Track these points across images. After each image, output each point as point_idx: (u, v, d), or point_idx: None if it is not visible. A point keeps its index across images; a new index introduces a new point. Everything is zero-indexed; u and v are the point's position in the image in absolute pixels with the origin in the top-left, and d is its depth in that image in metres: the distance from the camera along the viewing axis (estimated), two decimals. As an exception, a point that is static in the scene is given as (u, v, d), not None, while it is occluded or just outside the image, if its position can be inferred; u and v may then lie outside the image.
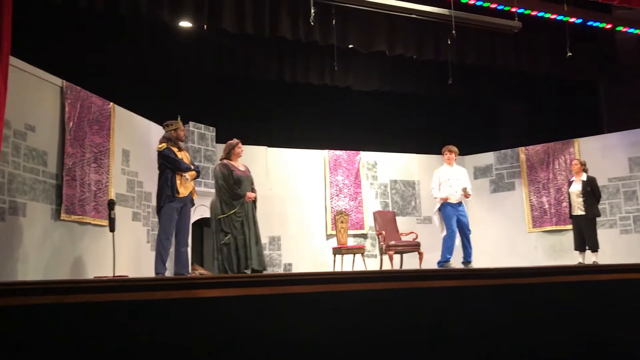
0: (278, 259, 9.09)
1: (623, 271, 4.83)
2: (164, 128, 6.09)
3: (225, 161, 6.15)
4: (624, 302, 4.61)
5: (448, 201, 7.56)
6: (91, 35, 7.53)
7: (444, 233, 7.58)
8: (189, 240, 6.07)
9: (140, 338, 3.31)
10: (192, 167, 5.95)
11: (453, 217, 7.51)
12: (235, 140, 6.28)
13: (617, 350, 4.46)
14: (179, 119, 6.10)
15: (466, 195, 7.53)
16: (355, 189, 9.80)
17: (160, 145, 5.90)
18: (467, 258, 7.54)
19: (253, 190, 6.18)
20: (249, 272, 5.83)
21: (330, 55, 8.17)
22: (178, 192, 5.76)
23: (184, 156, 6.00)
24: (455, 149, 7.95)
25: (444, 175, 7.74)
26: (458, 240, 7.59)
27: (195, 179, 6.01)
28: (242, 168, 6.22)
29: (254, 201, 6.18)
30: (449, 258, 7.55)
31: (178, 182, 5.78)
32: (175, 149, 5.90)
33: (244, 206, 6.00)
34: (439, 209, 7.67)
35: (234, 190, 5.96)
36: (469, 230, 7.59)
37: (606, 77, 10.05)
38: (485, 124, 11.36)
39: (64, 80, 5.95)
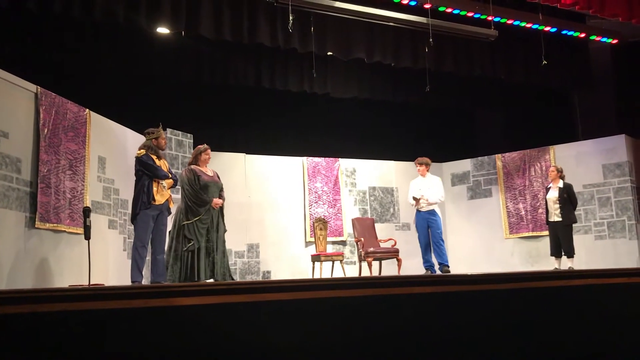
0: (256, 266, 9.04)
1: (598, 276, 4.90)
2: (144, 135, 6.04)
3: (192, 166, 6.09)
4: (599, 307, 4.68)
5: (419, 209, 7.88)
6: (66, 41, 7.45)
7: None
8: (165, 248, 6.00)
9: (117, 347, 3.26)
10: (170, 175, 5.92)
11: (423, 225, 7.85)
12: (203, 146, 6.22)
13: (592, 354, 4.52)
14: (160, 127, 6.06)
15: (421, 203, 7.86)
16: (334, 196, 9.80)
17: (139, 152, 5.86)
18: (442, 262, 7.69)
19: (221, 197, 6.10)
20: (211, 282, 5.77)
21: (309, 62, 8.19)
22: (154, 200, 5.72)
23: (162, 164, 5.95)
24: (425, 160, 8.18)
25: (416, 186, 8.09)
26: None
27: (172, 187, 5.96)
28: (210, 173, 6.13)
29: (222, 208, 6.10)
30: (427, 266, 7.84)
31: (155, 189, 5.74)
32: (154, 157, 5.86)
33: (210, 213, 5.91)
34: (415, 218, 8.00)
35: (199, 195, 5.88)
36: (439, 235, 7.78)
37: (580, 85, 10.24)
38: (462, 132, 11.49)
39: (38, 87, 5.87)
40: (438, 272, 7.72)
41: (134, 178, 5.92)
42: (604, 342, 4.59)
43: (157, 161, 5.86)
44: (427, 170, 8.15)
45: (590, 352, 4.51)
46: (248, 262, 8.99)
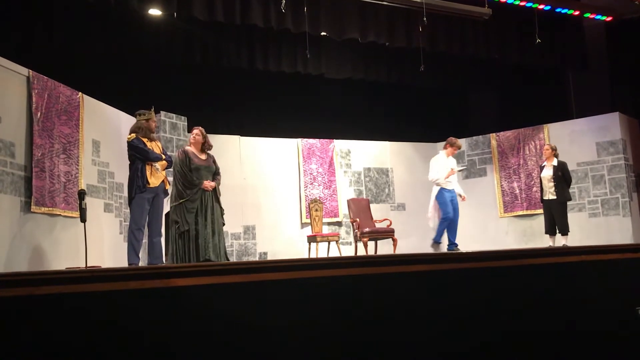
0: (253, 248, 9.08)
1: (591, 253, 4.94)
2: (135, 117, 6.01)
3: (186, 148, 6.04)
4: (593, 282, 4.73)
5: (444, 187, 7.92)
6: (58, 23, 7.38)
7: (437, 218, 7.96)
8: (162, 231, 6.01)
9: (114, 328, 3.28)
10: (163, 157, 5.90)
11: (449, 202, 7.87)
12: (195, 129, 6.16)
13: (586, 329, 4.57)
14: (152, 109, 6.03)
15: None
16: (329, 177, 9.82)
17: (129, 136, 5.84)
18: (452, 240, 7.93)
19: (215, 180, 6.06)
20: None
21: (302, 43, 8.14)
22: (148, 183, 5.72)
23: (154, 146, 5.94)
24: (458, 143, 8.31)
25: (443, 163, 8.08)
26: None
27: (166, 168, 5.95)
28: (203, 157, 6.07)
29: (216, 191, 6.06)
30: (440, 241, 7.97)
31: (148, 172, 5.73)
32: (145, 140, 5.84)
33: (199, 195, 5.87)
34: (437, 196, 7.96)
35: (188, 177, 5.83)
36: (457, 216, 7.97)
37: (574, 64, 10.22)
38: (457, 111, 11.48)
39: (30, 70, 5.82)
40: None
41: (128, 162, 5.90)
42: (598, 317, 4.65)
43: (148, 143, 5.84)
44: (450, 149, 8.23)
45: (584, 327, 4.57)
46: (244, 243, 9.02)
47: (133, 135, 5.81)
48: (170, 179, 6.04)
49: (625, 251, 5.00)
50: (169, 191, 5.97)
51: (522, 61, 9.69)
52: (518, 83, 10.71)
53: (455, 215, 7.92)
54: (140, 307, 3.38)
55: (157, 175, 5.80)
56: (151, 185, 5.73)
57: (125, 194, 7.30)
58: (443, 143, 10.63)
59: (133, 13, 7.38)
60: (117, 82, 7.91)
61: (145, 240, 6.07)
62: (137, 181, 5.70)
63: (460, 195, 8.06)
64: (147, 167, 5.74)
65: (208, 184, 5.89)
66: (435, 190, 7.98)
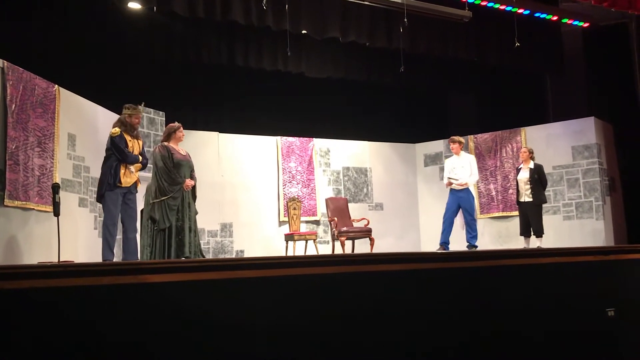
0: (230, 245, 9.04)
1: (564, 255, 5.02)
2: (123, 109, 5.97)
3: (165, 143, 5.99)
4: (565, 284, 4.79)
5: (451, 187, 8.06)
6: (35, 14, 7.26)
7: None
8: (137, 226, 5.95)
9: (86, 324, 3.24)
10: (140, 158, 5.85)
11: (454, 203, 8.02)
12: (177, 124, 6.11)
13: (558, 329, 4.64)
14: (140, 106, 5.96)
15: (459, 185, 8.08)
16: (308, 176, 9.82)
17: (113, 130, 5.76)
18: (469, 241, 7.91)
19: (192, 177, 6.03)
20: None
21: (283, 40, 8.11)
22: (120, 182, 5.67)
23: (135, 144, 5.87)
24: (457, 138, 8.27)
25: (450, 165, 8.24)
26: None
27: (140, 170, 5.92)
28: (182, 152, 6.05)
29: (194, 189, 6.05)
30: (443, 242, 7.99)
31: (122, 172, 5.68)
32: (128, 137, 5.78)
33: (181, 192, 5.84)
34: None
35: (172, 174, 5.79)
36: (471, 215, 7.99)
37: (552, 68, 10.35)
38: (435, 113, 11.56)
39: (5, 61, 5.72)
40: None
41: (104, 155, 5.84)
42: (570, 317, 4.71)
43: (130, 141, 5.79)
44: (461, 149, 8.23)
45: (557, 327, 4.63)
46: (221, 241, 8.97)
47: (118, 130, 5.73)
48: (146, 174, 6.00)
49: (597, 254, 5.08)
50: (141, 190, 5.93)
51: (501, 64, 9.79)
52: (496, 86, 10.82)
53: (465, 216, 8.00)
54: (113, 303, 3.34)
55: (130, 176, 5.76)
56: (123, 185, 5.69)
57: (99, 189, 7.24)
58: (422, 144, 10.76)
59: (112, 6, 7.29)
60: (94, 75, 7.79)
61: (119, 237, 6.02)
62: (108, 179, 5.65)
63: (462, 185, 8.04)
64: (122, 167, 5.69)
65: (189, 182, 5.88)
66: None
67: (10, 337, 3.07)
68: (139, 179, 5.93)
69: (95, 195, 7.08)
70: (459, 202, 8.00)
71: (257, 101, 9.77)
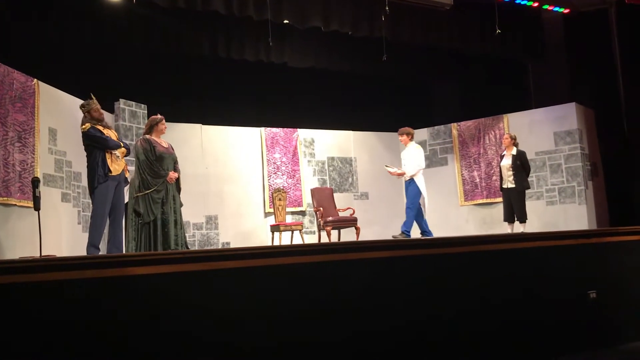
0: (215, 238, 9.02)
1: (546, 239, 5.07)
2: (81, 109, 5.87)
3: (147, 136, 5.96)
4: (549, 267, 4.85)
5: (405, 179, 7.97)
6: (12, 7, 7.14)
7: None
8: (123, 220, 5.89)
9: (69, 318, 3.22)
10: (122, 143, 5.79)
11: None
12: (158, 116, 6.07)
13: (542, 312, 4.70)
14: (93, 98, 5.84)
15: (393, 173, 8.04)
16: (293, 167, 9.81)
17: (83, 126, 5.66)
18: (402, 229, 7.75)
19: (176, 169, 6.01)
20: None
21: (265, 30, 8.07)
22: (111, 171, 5.59)
23: (111, 134, 5.79)
24: (404, 130, 8.13)
25: (401, 156, 8.18)
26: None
27: (126, 156, 5.84)
28: (164, 145, 6.01)
29: (178, 181, 6.03)
30: (421, 231, 7.97)
31: (109, 160, 5.61)
32: (100, 128, 5.69)
33: (165, 185, 5.82)
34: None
35: (154, 167, 5.76)
36: (407, 204, 7.89)
37: (533, 55, 10.41)
38: (419, 101, 11.57)
39: (-18, 55, 5.64)
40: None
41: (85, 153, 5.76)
42: (553, 300, 4.77)
43: (104, 131, 5.70)
44: (410, 140, 8.07)
45: (540, 309, 4.69)
46: (207, 233, 8.95)
47: (88, 125, 5.65)
48: (131, 167, 5.94)
49: (579, 237, 5.14)
50: (129, 179, 5.87)
51: (483, 52, 9.82)
52: (479, 73, 10.86)
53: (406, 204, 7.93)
54: (96, 296, 3.33)
55: (118, 163, 5.68)
56: (113, 173, 5.61)
57: (84, 183, 7.16)
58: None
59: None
60: (74, 69, 7.70)
61: (106, 230, 5.96)
62: (98, 170, 5.56)
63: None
64: (108, 155, 5.62)
65: (172, 175, 5.86)
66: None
67: (-8, 333, 3.05)
68: (127, 167, 5.84)
69: (80, 190, 7.06)
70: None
71: (240, 92, 9.72)
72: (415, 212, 7.77)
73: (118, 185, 5.70)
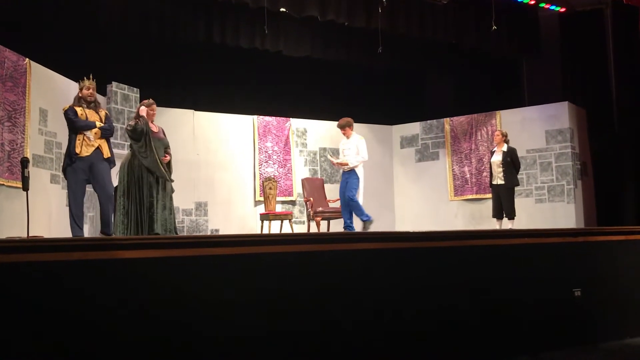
0: (204, 224, 9.01)
1: (534, 236, 5.10)
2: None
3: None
4: (535, 264, 4.88)
5: (344, 170, 7.50)
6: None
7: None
8: (110, 196, 5.77)
9: (55, 301, 3.21)
10: (97, 124, 5.57)
11: (342, 186, 7.47)
12: (148, 101, 6.03)
13: (528, 308, 4.73)
14: (87, 78, 5.75)
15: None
16: (284, 156, 9.80)
17: (64, 106, 5.61)
18: (362, 218, 7.30)
19: (167, 154, 6.01)
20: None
21: (261, 18, 8.03)
22: (77, 153, 5.48)
23: (91, 114, 5.62)
24: (347, 122, 7.60)
25: (340, 147, 7.71)
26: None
27: (105, 137, 5.66)
28: (155, 129, 5.99)
29: (169, 166, 6.02)
30: (344, 226, 7.46)
31: (78, 142, 5.48)
32: (79, 108, 5.58)
33: (151, 154, 5.82)
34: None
35: (137, 130, 5.77)
36: (350, 198, 7.29)
37: (528, 52, 10.44)
38: (412, 95, 11.58)
39: (-26, 33, 5.58)
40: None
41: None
42: (539, 297, 4.81)
43: (82, 112, 5.56)
44: (351, 130, 7.60)
45: (526, 306, 4.73)
46: (196, 220, 8.94)
47: (67, 106, 5.57)
48: (122, 152, 5.90)
49: (566, 235, 5.17)
50: (113, 159, 5.75)
51: (478, 47, 9.83)
52: (473, 69, 10.87)
53: (346, 197, 7.39)
54: (83, 278, 3.32)
55: (90, 144, 5.53)
56: (81, 155, 5.47)
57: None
58: (399, 126, 10.79)
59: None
60: (68, 50, 7.63)
61: (91, 214, 5.93)
62: (67, 152, 5.50)
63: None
64: (78, 137, 5.51)
65: (163, 159, 5.86)
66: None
67: (-23, 312, 3.04)
68: (105, 148, 5.64)
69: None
70: (345, 183, 7.43)
71: (233, 79, 9.68)
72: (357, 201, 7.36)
73: (92, 167, 5.53)
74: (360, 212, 7.32)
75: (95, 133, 5.54)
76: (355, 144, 7.46)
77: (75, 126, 5.48)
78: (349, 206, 7.36)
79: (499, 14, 8.75)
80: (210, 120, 9.34)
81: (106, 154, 5.63)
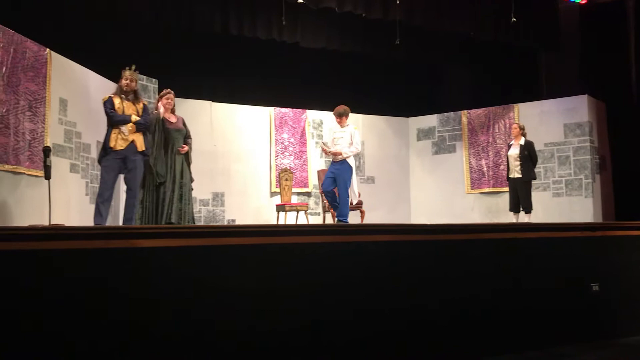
0: (221, 215, 9.07)
1: (551, 230, 5.07)
2: None
3: (157, 111, 6.04)
4: (553, 258, 4.86)
5: (334, 160, 7.17)
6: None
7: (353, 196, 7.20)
8: (137, 192, 5.86)
9: (76, 287, 3.26)
10: (134, 119, 5.72)
11: (330, 176, 7.10)
12: (164, 91, 6.13)
13: (545, 302, 4.72)
14: (132, 68, 5.84)
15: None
16: (300, 148, 9.81)
17: (104, 96, 5.74)
18: (338, 217, 7.05)
19: (187, 144, 6.08)
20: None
21: (278, 9, 8.02)
22: (112, 146, 5.59)
23: (128, 107, 5.75)
24: (345, 110, 7.27)
25: (332, 135, 7.40)
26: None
27: (140, 131, 5.77)
28: (173, 120, 6.07)
29: (187, 156, 6.08)
30: (338, 219, 7.16)
31: (113, 135, 5.61)
32: (117, 100, 5.69)
33: (171, 158, 5.91)
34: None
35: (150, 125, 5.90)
36: (344, 191, 7.01)
37: (547, 45, 10.30)
38: (429, 87, 11.51)
39: (-4, 23, 5.64)
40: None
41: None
42: (556, 291, 4.79)
43: (119, 104, 5.68)
44: (347, 119, 7.28)
45: (543, 300, 4.71)
46: (213, 210, 9.00)
47: (106, 97, 5.72)
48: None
49: (585, 229, 5.14)
50: (148, 152, 5.84)
51: (496, 39, 9.73)
52: (491, 61, 10.77)
53: (340, 189, 7.03)
54: (104, 266, 3.36)
55: (124, 139, 5.65)
56: (116, 148, 5.59)
57: (93, 155, 7.22)
58: (415, 118, 10.74)
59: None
60: (87, 41, 7.68)
61: (113, 203, 5.99)
62: (104, 144, 5.63)
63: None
64: (114, 130, 5.63)
65: (182, 149, 5.92)
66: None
67: (3, 298, 3.09)
68: (139, 142, 5.73)
69: (89, 161, 7.11)
70: (335, 174, 7.05)
71: (250, 71, 9.69)
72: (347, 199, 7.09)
73: (126, 159, 5.66)
74: (345, 210, 7.00)
75: (130, 128, 5.63)
76: (350, 134, 7.16)
77: (112, 121, 5.63)
78: (340, 199, 6.99)
79: (518, 5, 8.66)
80: (228, 111, 9.38)
81: (140, 147, 5.73)
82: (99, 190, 5.63)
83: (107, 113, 5.64)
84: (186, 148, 6.01)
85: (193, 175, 6.27)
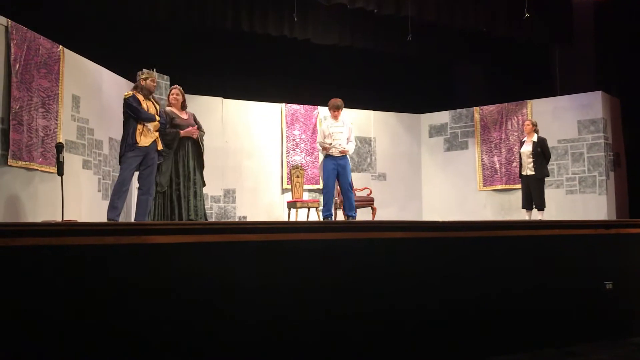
0: (232, 211, 9.09)
1: (565, 227, 5.03)
2: (138, 75, 5.98)
3: (167, 108, 6.11)
4: (566, 256, 4.82)
5: (331, 154, 7.11)
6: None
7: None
8: (152, 190, 5.92)
9: (88, 282, 3.28)
10: (157, 118, 5.82)
11: (334, 171, 7.08)
12: (174, 89, 6.20)
13: (558, 300, 4.68)
14: (153, 70, 5.96)
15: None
16: (311, 144, 9.80)
17: (126, 93, 5.81)
18: (347, 213, 7.13)
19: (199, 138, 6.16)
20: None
21: (289, 5, 8.01)
22: (137, 142, 5.67)
23: (150, 106, 5.86)
24: (341, 103, 7.28)
25: (328, 130, 7.29)
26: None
27: (159, 130, 5.87)
28: (184, 116, 6.14)
29: (200, 154, 6.14)
30: (327, 215, 7.27)
31: (139, 131, 5.70)
32: (141, 98, 5.78)
33: (181, 153, 5.96)
34: (323, 162, 7.28)
35: (166, 137, 5.93)
36: (349, 185, 7.13)
37: (561, 40, 10.22)
38: (441, 83, 11.46)
39: (10, 20, 5.67)
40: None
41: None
42: (570, 289, 4.75)
43: (143, 102, 5.79)
44: (340, 112, 7.30)
45: (556, 298, 4.68)
46: (224, 207, 9.02)
47: (130, 92, 5.80)
48: None
49: (598, 227, 5.09)
50: (163, 152, 5.93)
51: (509, 35, 9.66)
52: (504, 57, 10.70)
53: (344, 185, 7.11)
54: (116, 262, 3.38)
55: (148, 135, 5.75)
56: (140, 144, 5.69)
57: (105, 151, 7.26)
58: (428, 114, 10.69)
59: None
60: (99, 38, 7.74)
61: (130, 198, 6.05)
62: (127, 139, 5.71)
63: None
64: (139, 127, 5.71)
65: (189, 130, 6.00)
66: (322, 157, 7.32)
67: (16, 293, 3.12)
68: (159, 140, 5.89)
69: (101, 158, 7.15)
70: (338, 169, 7.05)
71: (262, 67, 9.70)
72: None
73: (146, 156, 5.75)
74: (353, 205, 7.10)
75: (154, 125, 5.74)
76: (348, 129, 7.25)
77: (141, 116, 5.72)
78: (348, 194, 7.07)
79: (531, 1, 8.58)
80: (239, 108, 9.38)
81: (160, 146, 5.89)
82: (117, 185, 5.68)
83: (134, 109, 5.70)
84: (194, 132, 6.06)
85: (204, 172, 6.29)
